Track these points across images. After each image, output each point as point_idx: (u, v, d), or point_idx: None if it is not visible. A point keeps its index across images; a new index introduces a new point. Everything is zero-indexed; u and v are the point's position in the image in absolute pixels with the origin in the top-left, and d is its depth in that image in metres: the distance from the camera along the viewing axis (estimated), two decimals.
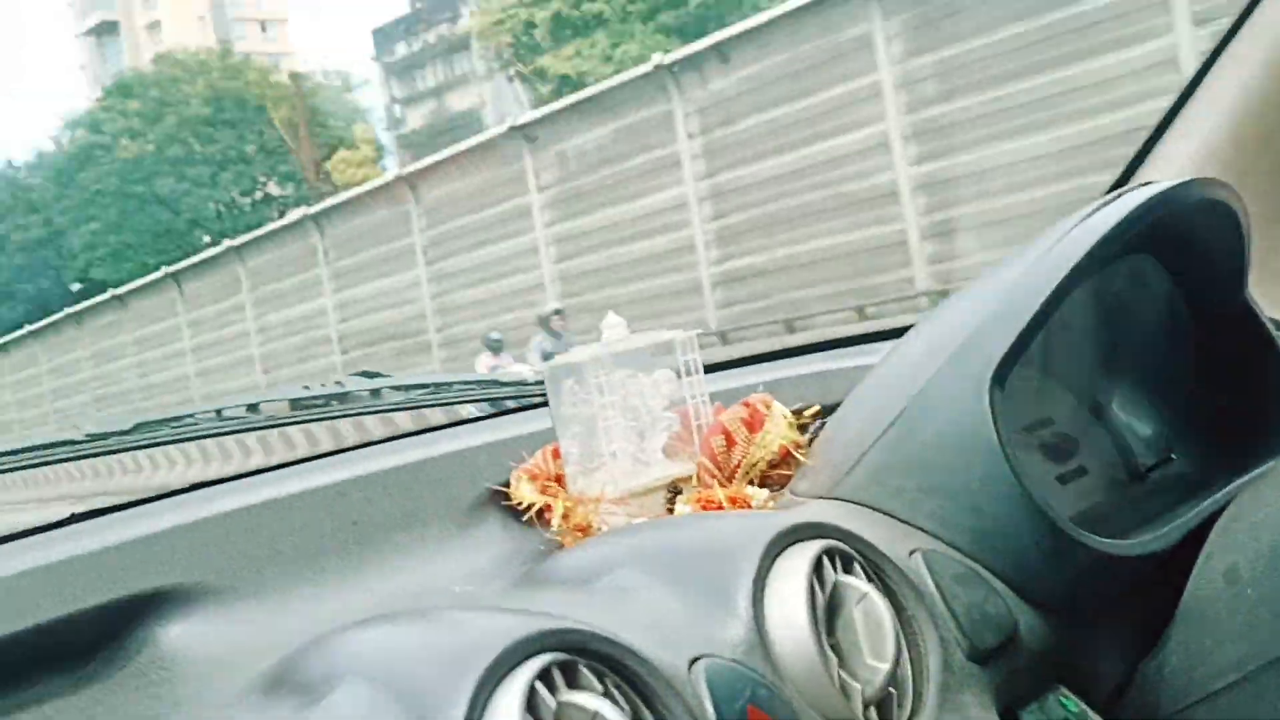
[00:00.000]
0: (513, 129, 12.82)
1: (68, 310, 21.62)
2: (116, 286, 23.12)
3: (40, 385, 22.99)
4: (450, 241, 14.04)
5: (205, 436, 1.24)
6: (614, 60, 19.43)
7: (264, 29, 66.52)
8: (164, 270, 18.76)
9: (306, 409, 1.31)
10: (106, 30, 78.13)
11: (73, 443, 1.12)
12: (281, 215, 25.52)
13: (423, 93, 37.14)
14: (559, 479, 0.97)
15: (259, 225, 29.21)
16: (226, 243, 17.51)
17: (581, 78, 22.37)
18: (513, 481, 0.97)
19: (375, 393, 1.35)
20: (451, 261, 14.04)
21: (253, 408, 1.29)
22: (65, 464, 1.14)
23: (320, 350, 16.12)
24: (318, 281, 15.89)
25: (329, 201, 15.96)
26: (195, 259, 18.72)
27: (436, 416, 1.29)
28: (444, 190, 14.08)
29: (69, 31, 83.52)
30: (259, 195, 32.68)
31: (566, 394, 0.96)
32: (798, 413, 0.99)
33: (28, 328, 23.25)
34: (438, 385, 1.35)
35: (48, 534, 0.86)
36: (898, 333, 1.01)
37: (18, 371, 23.75)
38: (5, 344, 24.05)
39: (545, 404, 1.00)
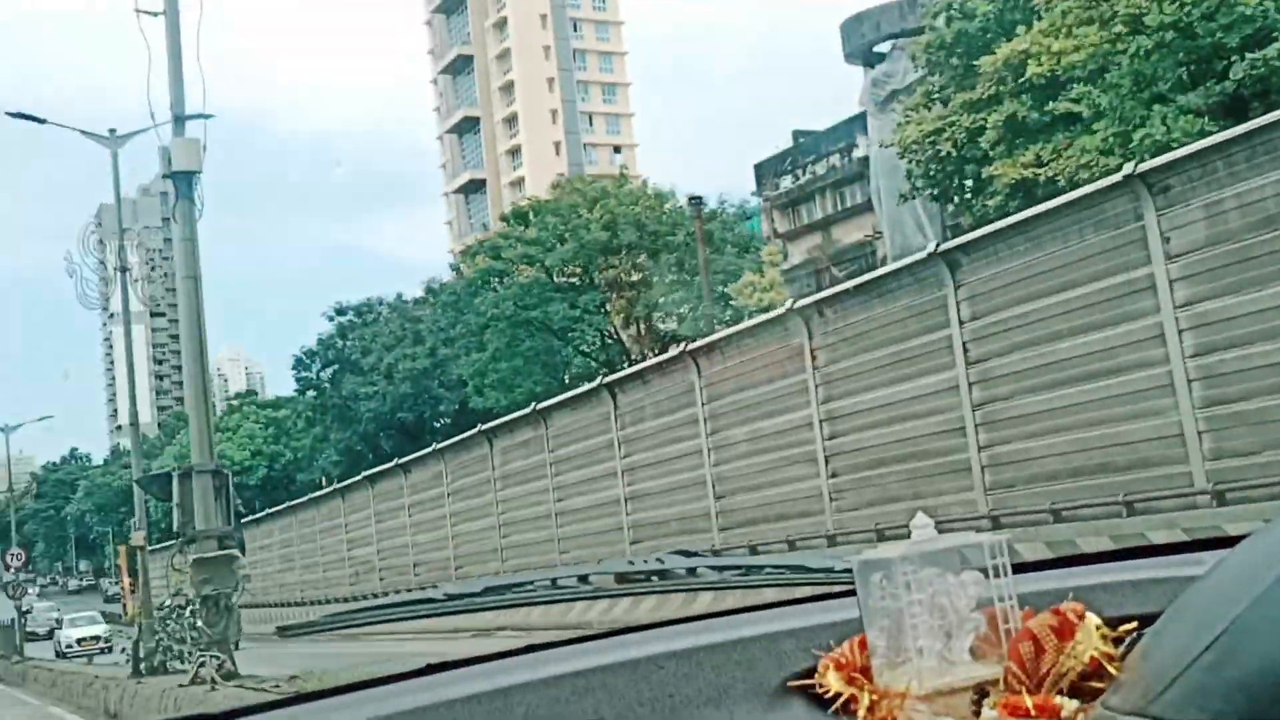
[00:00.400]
0: (1131, 176, 9.70)
1: (481, 426, 20.38)
2: (497, 415, 21.90)
3: (441, 506, 21.77)
4: (1004, 335, 10.99)
5: (541, 602, 1.53)
6: (1122, 153, 16.16)
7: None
8: (600, 380, 16.90)
9: (630, 582, 1.61)
10: (473, 189, 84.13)
11: (433, 601, 1.46)
12: (663, 350, 23.62)
13: (808, 225, 35.25)
14: (865, 670, 0.99)
15: (643, 356, 27.70)
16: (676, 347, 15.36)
17: (1050, 182, 19.27)
18: (820, 669, 1.01)
19: (692, 570, 1.59)
20: (1006, 360, 10.94)
21: (583, 579, 1.58)
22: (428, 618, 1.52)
23: (798, 472, 13.31)
24: (800, 390, 13.21)
25: (826, 292, 13.41)
26: (631, 369, 16.77)
27: (747, 597, 1.33)
28: (992, 271, 11.13)
29: (436, 190, 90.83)
30: (643, 326, 31.44)
31: (875, 588, 0.98)
32: (1111, 623, 0.97)
33: (435, 446, 22.40)
34: (749, 568, 1.59)
35: (407, 682, 1.06)
36: (1226, 542, 1.01)
37: (419, 492, 22.78)
38: (407, 463, 23.37)
39: (849, 593, 1.04)
